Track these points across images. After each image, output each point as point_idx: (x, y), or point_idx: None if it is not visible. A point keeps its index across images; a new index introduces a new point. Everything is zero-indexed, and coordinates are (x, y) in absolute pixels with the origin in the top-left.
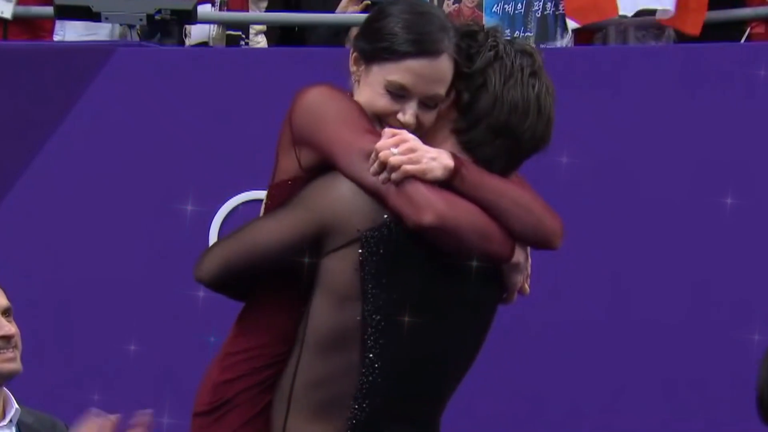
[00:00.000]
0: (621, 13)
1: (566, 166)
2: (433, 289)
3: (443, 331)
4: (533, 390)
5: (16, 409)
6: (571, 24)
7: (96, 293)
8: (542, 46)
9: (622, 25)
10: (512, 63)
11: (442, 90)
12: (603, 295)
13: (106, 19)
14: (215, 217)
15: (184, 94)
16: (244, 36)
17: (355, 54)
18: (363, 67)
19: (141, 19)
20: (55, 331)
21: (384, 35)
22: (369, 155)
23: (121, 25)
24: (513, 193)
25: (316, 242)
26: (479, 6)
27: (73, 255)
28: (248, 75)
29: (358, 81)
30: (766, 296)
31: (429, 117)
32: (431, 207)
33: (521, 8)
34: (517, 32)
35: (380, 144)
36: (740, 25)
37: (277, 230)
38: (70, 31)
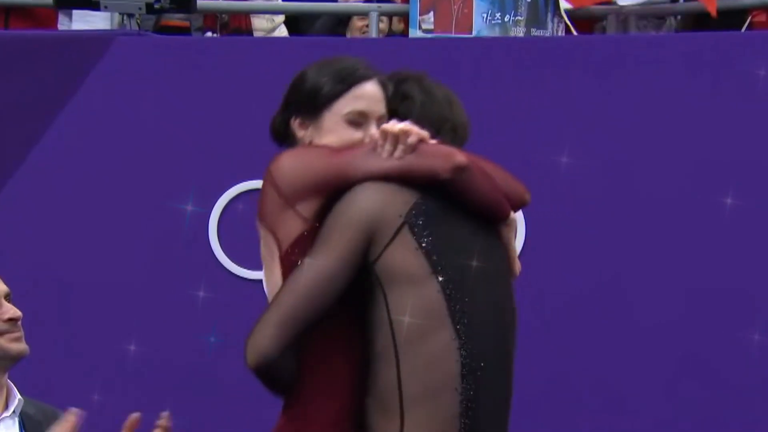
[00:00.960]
0: (620, 3)
1: (566, 166)
2: (480, 248)
3: (501, 299)
4: (533, 390)
5: (19, 399)
6: (564, 4)
7: (95, 292)
8: (533, 30)
9: (622, 14)
10: (411, 76)
11: (384, 109)
12: (603, 295)
13: (105, 8)
14: (214, 209)
15: (184, 84)
16: None
17: (297, 120)
18: (311, 126)
19: (140, 8)
20: (55, 331)
21: (319, 86)
22: (371, 153)
23: (120, 14)
24: (484, 160)
25: (366, 251)
26: None
27: (72, 252)
28: (249, 64)
29: (311, 141)
30: (766, 296)
31: None
32: (456, 152)
33: None
34: (507, 16)
35: (383, 127)
36: (742, 13)
37: (327, 262)
38: (75, 23)
